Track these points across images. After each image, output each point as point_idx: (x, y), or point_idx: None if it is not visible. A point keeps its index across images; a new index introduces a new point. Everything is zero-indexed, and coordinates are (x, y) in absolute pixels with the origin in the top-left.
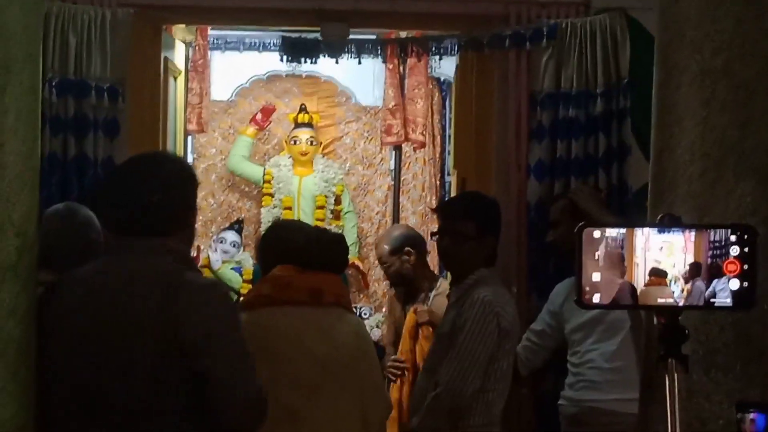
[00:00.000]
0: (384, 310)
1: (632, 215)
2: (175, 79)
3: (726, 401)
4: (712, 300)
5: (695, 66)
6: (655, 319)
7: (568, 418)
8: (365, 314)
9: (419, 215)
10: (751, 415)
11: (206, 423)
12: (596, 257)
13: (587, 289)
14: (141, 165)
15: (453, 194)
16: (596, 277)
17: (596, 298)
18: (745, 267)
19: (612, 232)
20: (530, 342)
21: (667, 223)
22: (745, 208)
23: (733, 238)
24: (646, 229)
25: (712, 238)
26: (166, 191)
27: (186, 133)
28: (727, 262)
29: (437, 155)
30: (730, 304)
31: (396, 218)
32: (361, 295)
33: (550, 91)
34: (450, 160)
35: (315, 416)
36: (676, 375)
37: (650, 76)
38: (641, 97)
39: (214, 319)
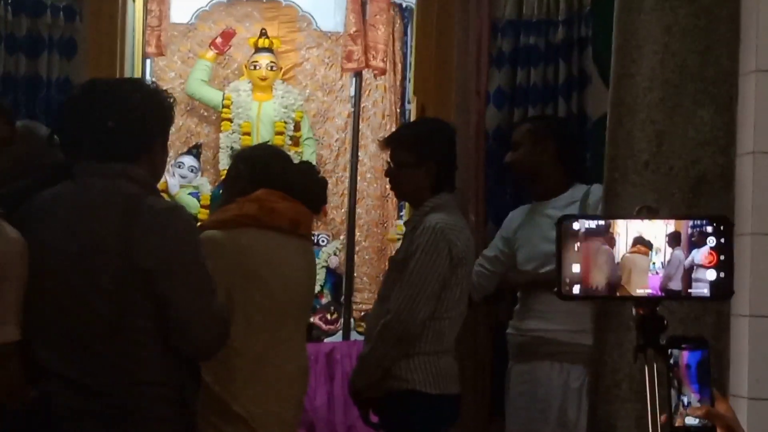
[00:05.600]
0: (341, 237)
1: (591, 145)
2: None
3: (680, 328)
4: (689, 290)
5: None
6: (633, 310)
7: (515, 347)
8: (323, 241)
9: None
10: (684, 353)
11: (171, 344)
12: (576, 248)
13: (567, 280)
14: (99, 89)
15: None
16: (576, 268)
17: (576, 290)
18: (722, 258)
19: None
20: (483, 268)
21: (645, 215)
22: (704, 136)
23: (709, 229)
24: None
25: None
26: (124, 116)
27: (144, 56)
28: (701, 262)
29: (398, 82)
30: (708, 294)
31: (355, 146)
32: (319, 223)
33: (511, 18)
34: (410, 88)
35: (279, 338)
36: (655, 365)
37: (612, 4)
38: (603, 26)
39: (172, 243)
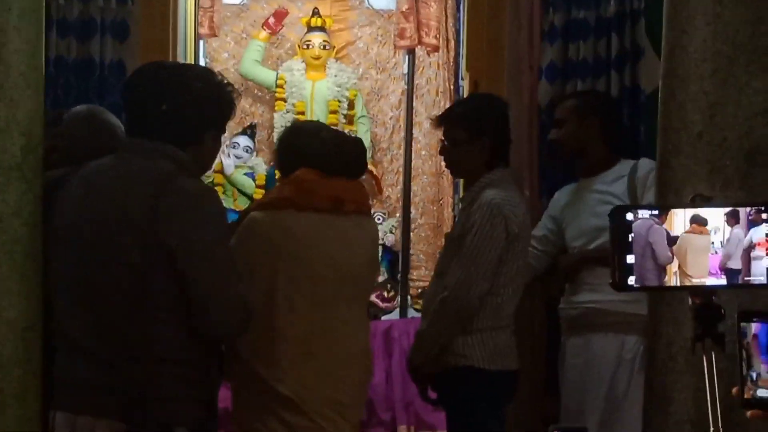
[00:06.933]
0: (397, 215)
1: (645, 118)
2: None
3: (734, 301)
4: (747, 278)
5: None
6: (689, 300)
7: (568, 320)
8: (378, 220)
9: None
10: (754, 324)
11: (192, 324)
12: (630, 239)
13: (622, 271)
14: (163, 72)
15: None
16: (630, 259)
17: (631, 280)
18: None
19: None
20: (532, 248)
21: (698, 204)
22: (757, 106)
23: (764, 216)
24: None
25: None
26: (179, 102)
27: (197, 37)
28: (758, 242)
29: (451, 59)
30: (765, 281)
31: (409, 123)
32: (374, 201)
33: None
34: (463, 64)
35: (326, 321)
36: (714, 354)
37: None
38: None
39: (197, 223)
